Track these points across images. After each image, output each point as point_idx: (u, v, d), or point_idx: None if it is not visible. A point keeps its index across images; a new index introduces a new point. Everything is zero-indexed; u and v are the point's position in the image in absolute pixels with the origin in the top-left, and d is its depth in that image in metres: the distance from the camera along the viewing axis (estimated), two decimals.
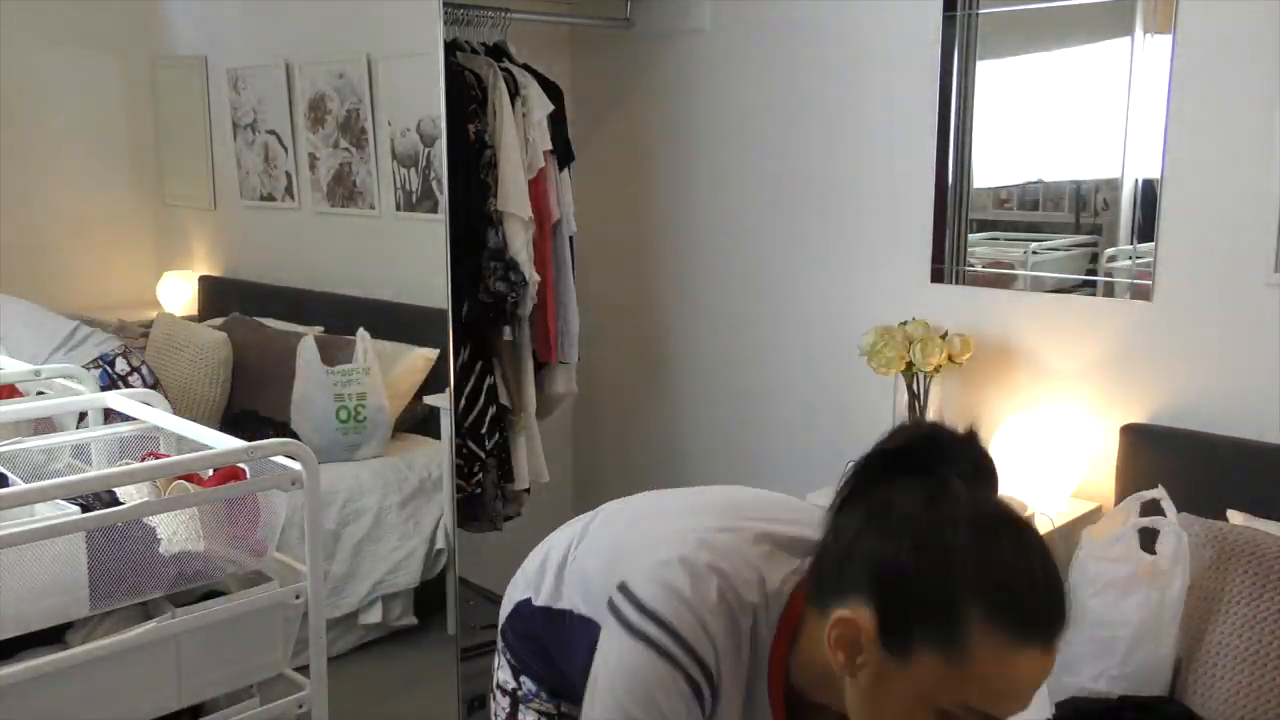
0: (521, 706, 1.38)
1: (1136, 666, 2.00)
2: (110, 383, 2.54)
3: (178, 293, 2.94)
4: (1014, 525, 1.01)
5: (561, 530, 1.41)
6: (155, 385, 2.64)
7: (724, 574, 1.11)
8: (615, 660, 1.11)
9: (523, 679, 1.38)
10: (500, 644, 1.41)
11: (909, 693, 0.97)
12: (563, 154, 3.06)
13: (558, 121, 3.02)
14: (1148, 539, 2.09)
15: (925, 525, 0.99)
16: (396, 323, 2.91)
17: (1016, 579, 0.97)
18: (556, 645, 1.32)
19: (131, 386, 2.55)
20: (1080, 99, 2.49)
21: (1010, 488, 2.50)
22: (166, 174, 2.86)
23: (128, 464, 1.83)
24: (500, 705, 1.41)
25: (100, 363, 2.53)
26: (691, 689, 1.07)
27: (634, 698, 1.08)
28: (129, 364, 2.59)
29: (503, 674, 1.41)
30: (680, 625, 1.08)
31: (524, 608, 1.36)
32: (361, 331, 2.84)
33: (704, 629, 1.08)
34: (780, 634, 1.11)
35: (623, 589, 1.14)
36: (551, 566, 1.34)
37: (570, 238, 3.10)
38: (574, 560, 1.31)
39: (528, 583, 1.37)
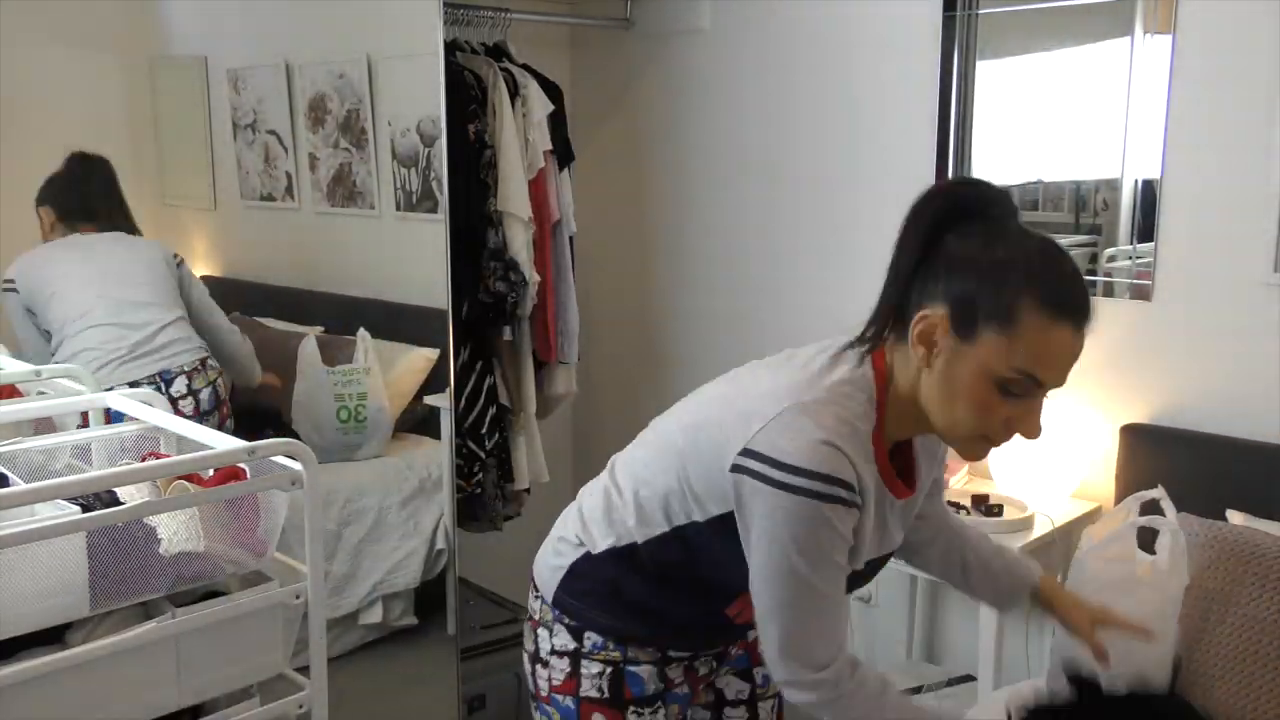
0: (584, 661, 1.51)
1: (1137, 666, 2.00)
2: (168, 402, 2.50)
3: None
4: (1053, 245, 1.31)
5: (582, 495, 1.59)
6: (215, 409, 2.59)
7: (835, 399, 1.32)
8: (784, 516, 1.27)
9: (586, 635, 1.50)
10: (552, 615, 1.53)
11: (975, 366, 1.27)
12: (563, 154, 3.06)
13: (558, 121, 3.02)
14: (1147, 539, 2.09)
15: (984, 248, 1.28)
16: (396, 323, 2.91)
17: (1055, 275, 1.27)
18: (629, 579, 1.47)
19: (181, 412, 2.49)
20: (1080, 99, 2.49)
21: (1010, 488, 2.50)
22: (166, 174, 2.85)
23: (128, 464, 1.83)
24: (556, 669, 1.52)
25: (158, 379, 2.49)
26: (849, 509, 1.29)
27: (819, 539, 1.28)
28: (188, 385, 2.55)
29: (558, 640, 1.53)
30: (827, 466, 1.27)
31: (582, 564, 1.50)
32: (362, 332, 2.84)
33: (844, 456, 1.28)
34: (879, 397, 1.35)
35: (749, 453, 1.30)
36: (596, 519, 1.51)
37: (570, 238, 3.10)
38: (626, 501, 1.47)
39: (573, 546, 1.52)
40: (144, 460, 1.82)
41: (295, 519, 1.77)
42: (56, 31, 2.64)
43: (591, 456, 3.73)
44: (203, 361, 2.59)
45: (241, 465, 1.72)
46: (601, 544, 1.48)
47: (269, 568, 1.80)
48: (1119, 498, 2.38)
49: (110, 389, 2.25)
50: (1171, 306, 2.40)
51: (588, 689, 1.51)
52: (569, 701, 1.52)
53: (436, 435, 2.86)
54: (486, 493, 3.01)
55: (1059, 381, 1.28)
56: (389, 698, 2.76)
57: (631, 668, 1.51)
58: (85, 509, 1.58)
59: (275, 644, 1.77)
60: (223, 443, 1.75)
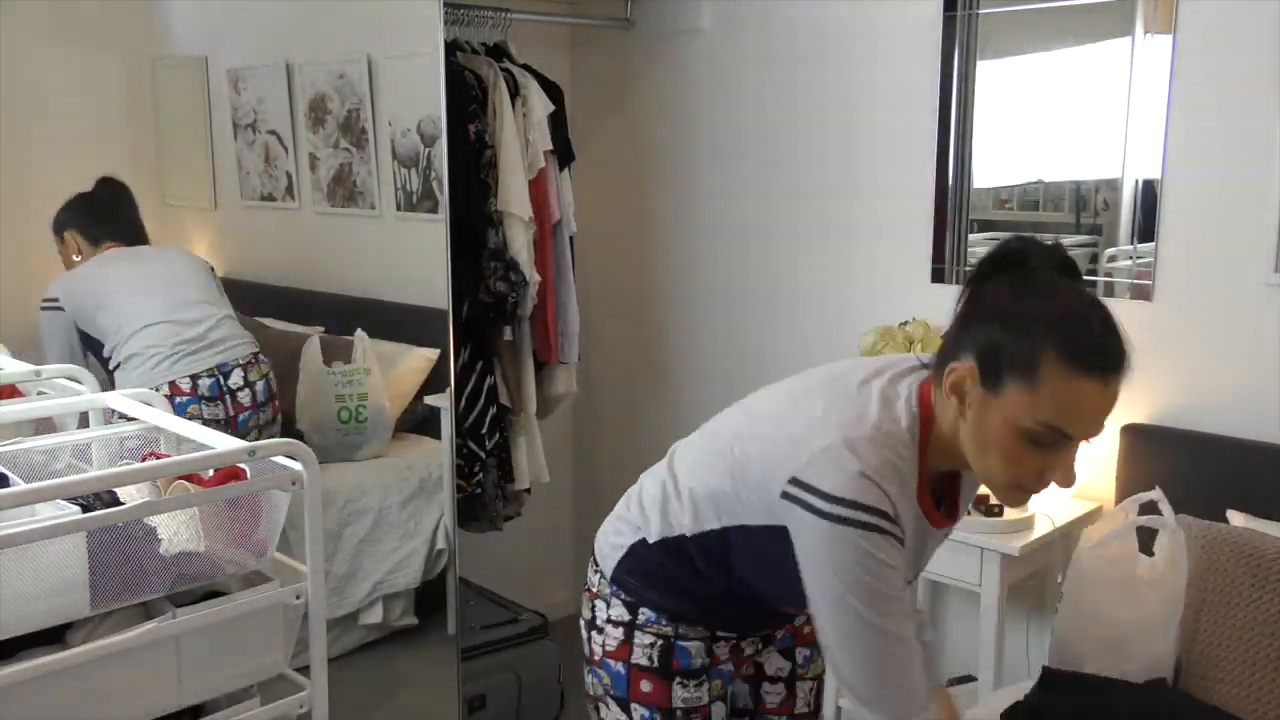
0: (638, 632, 1.60)
1: (1138, 665, 2.00)
2: (218, 393, 2.55)
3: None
4: (1082, 292, 1.33)
5: (644, 480, 1.66)
6: (269, 401, 2.66)
7: (877, 438, 1.36)
8: (827, 545, 1.34)
9: (641, 610, 1.60)
10: (610, 589, 1.63)
11: (1003, 419, 1.30)
12: (563, 154, 3.06)
13: (558, 121, 3.02)
14: (1146, 542, 2.09)
15: (1012, 299, 1.31)
16: (397, 323, 2.91)
17: (1078, 325, 1.28)
18: (681, 567, 1.56)
19: (239, 404, 2.57)
20: (1080, 99, 2.49)
21: None
22: (167, 174, 2.85)
23: (128, 464, 1.84)
24: (610, 636, 1.62)
25: (216, 372, 2.56)
26: (894, 540, 1.34)
27: (863, 567, 1.33)
28: (244, 378, 2.61)
29: (614, 612, 1.62)
30: (868, 498, 1.32)
31: (640, 548, 1.59)
32: (360, 332, 2.84)
33: (883, 491, 1.33)
34: (922, 436, 1.40)
35: (796, 482, 1.37)
36: (653, 508, 1.58)
37: (570, 238, 3.10)
38: (681, 493, 1.55)
39: (632, 528, 1.61)
40: (144, 460, 1.83)
41: (295, 519, 1.77)
42: (56, 31, 2.64)
43: (591, 456, 3.73)
44: (255, 355, 2.65)
45: (241, 465, 1.72)
46: (655, 533, 1.57)
47: (269, 568, 1.80)
48: (1119, 498, 2.38)
49: (172, 382, 2.43)
50: (1171, 306, 2.40)
51: (639, 657, 1.61)
52: (620, 667, 1.62)
53: (436, 435, 2.86)
54: (487, 493, 3.01)
55: (1089, 433, 1.30)
56: (389, 698, 2.76)
57: (681, 642, 1.59)
58: (85, 509, 1.58)
59: (275, 644, 1.77)
60: (223, 443, 1.75)
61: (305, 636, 1.79)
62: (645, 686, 1.61)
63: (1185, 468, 2.29)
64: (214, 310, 2.63)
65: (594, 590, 1.67)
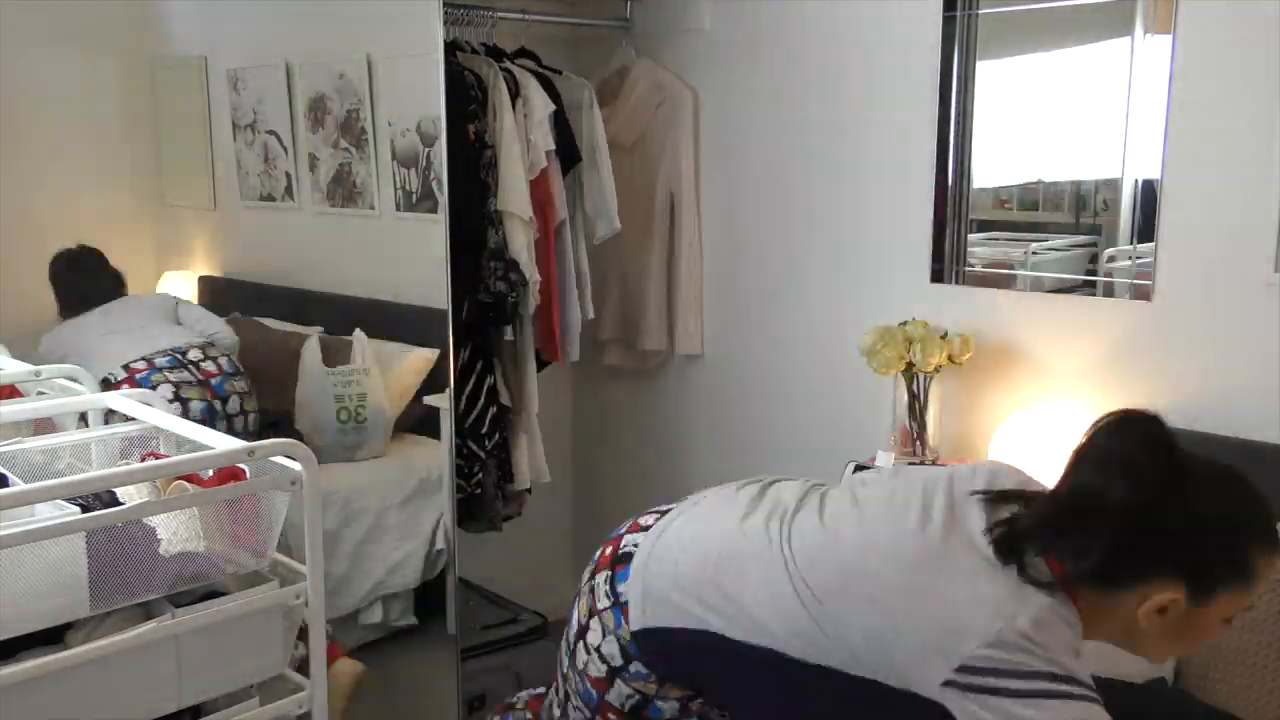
0: (618, 680, 1.57)
1: (1138, 665, 2.00)
2: (178, 364, 2.60)
3: (178, 293, 2.94)
4: (1213, 464, 1.40)
5: (740, 545, 1.50)
6: (238, 374, 2.70)
7: (1044, 621, 1.30)
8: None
9: (634, 664, 1.55)
10: (614, 620, 1.56)
11: (1210, 619, 1.38)
12: (567, 155, 3.05)
13: (562, 122, 3.02)
14: None
15: (1188, 513, 1.33)
16: (396, 323, 2.91)
17: (1254, 505, 1.36)
18: (717, 667, 1.48)
19: (206, 370, 2.62)
20: (1080, 99, 2.49)
21: None
22: (166, 174, 2.86)
23: (128, 464, 1.84)
24: (594, 664, 1.58)
25: (170, 351, 2.61)
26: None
27: None
28: (203, 353, 2.66)
29: (607, 648, 1.57)
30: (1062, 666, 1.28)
31: (700, 637, 1.47)
32: (358, 332, 2.83)
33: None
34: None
35: (968, 670, 1.28)
36: (765, 606, 1.43)
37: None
38: (809, 606, 1.40)
39: (705, 607, 1.47)
40: (144, 460, 1.83)
41: (295, 519, 1.77)
42: (56, 31, 2.64)
43: (592, 457, 3.73)
44: (210, 343, 2.71)
45: (241, 466, 1.72)
46: (743, 631, 1.44)
47: (269, 568, 1.80)
48: None
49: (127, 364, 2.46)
50: (1171, 306, 2.40)
51: (613, 698, 1.58)
52: (594, 691, 1.60)
53: (436, 435, 2.86)
54: (486, 493, 3.01)
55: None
56: (389, 698, 2.76)
57: (659, 702, 1.57)
58: (85, 509, 1.58)
59: (275, 644, 1.77)
60: (222, 443, 1.75)
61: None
62: (610, 718, 1.59)
63: None
64: (180, 337, 2.67)
65: (599, 606, 1.59)
